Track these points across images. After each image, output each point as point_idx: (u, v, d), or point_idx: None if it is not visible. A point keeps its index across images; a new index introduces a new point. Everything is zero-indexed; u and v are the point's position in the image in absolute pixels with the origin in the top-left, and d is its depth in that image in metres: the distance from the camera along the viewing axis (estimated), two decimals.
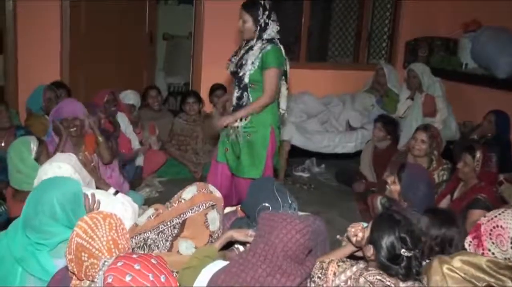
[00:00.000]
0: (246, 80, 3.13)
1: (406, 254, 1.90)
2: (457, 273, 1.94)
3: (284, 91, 3.28)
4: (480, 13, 5.75)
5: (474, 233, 1.99)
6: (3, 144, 3.70)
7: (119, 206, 2.57)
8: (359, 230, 2.16)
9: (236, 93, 3.22)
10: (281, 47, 3.18)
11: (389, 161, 4.26)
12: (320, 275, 2.02)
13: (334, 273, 1.98)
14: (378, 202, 3.58)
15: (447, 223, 2.28)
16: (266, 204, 2.36)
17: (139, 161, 4.37)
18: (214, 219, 2.40)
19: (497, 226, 1.93)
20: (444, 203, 3.37)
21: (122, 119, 4.31)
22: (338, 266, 2.01)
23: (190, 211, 2.37)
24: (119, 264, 1.52)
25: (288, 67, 3.27)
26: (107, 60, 5.29)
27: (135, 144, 4.35)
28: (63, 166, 2.52)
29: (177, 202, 2.43)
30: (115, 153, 3.66)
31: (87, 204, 2.34)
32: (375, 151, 4.55)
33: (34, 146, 3.00)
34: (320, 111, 5.22)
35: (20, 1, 4.77)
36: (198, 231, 2.38)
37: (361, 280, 1.90)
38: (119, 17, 5.38)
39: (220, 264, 2.07)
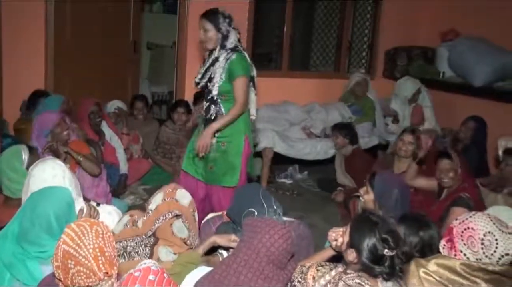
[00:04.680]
0: (215, 92, 3.09)
1: (389, 254, 1.93)
2: (433, 277, 1.97)
3: (253, 97, 3.25)
4: (458, 23, 5.88)
5: (447, 236, 2.03)
6: None
7: (106, 216, 2.58)
8: (339, 235, 2.18)
9: (204, 106, 3.21)
10: (245, 53, 3.15)
11: (362, 163, 4.36)
12: (300, 279, 2.03)
13: (313, 278, 2.00)
14: (359, 206, 3.64)
15: (422, 227, 2.29)
16: (251, 209, 2.37)
17: (124, 169, 4.38)
18: (181, 228, 2.41)
19: (468, 228, 1.96)
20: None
21: (107, 128, 4.33)
22: (317, 270, 2.01)
23: (157, 222, 2.39)
24: None
25: (255, 73, 3.24)
26: (92, 68, 5.29)
27: (120, 152, 4.37)
28: (55, 167, 2.48)
29: (146, 215, 2.45)
30: (100, 163, 3.65)
31: (87, 214, 2.34)
32: (345, 159, 4.66)
33: (25, 156, 2.95)
34: (302, 119, 5.30)
35: (4, 5, 4.74)
36: (171, 240, 2.39)
37: (340, 284, 1.92)
38: (104, 25, 5.38)
39: (203, 270, 2.09)
